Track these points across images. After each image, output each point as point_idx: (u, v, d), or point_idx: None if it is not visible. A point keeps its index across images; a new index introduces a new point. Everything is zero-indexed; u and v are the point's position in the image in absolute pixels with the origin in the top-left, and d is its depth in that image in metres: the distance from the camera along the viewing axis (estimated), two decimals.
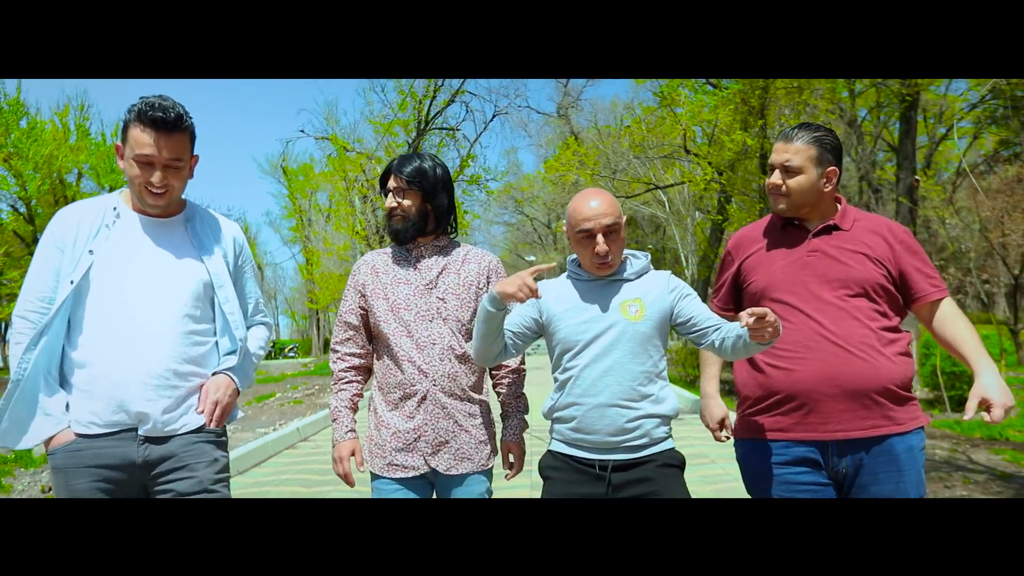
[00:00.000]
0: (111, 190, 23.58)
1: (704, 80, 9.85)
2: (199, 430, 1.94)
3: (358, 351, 2.22)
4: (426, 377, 2.10)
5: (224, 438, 2.04)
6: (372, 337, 2.24)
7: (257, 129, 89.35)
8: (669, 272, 2.14)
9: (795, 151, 2.00)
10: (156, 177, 1.90)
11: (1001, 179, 15.71)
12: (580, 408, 1.99)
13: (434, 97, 14.24)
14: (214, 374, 2.02)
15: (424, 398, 2.10)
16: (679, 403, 2.11)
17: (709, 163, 11.45)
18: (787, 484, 1.97)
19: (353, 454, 2.13)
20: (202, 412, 1.95)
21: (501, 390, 2.33)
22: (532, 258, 39.23)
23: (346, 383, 2.20)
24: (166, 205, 1.98)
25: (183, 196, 2.08)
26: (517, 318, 2.11)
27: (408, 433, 2.10)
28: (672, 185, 14.16)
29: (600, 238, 1.98)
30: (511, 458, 2.28)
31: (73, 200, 23.01)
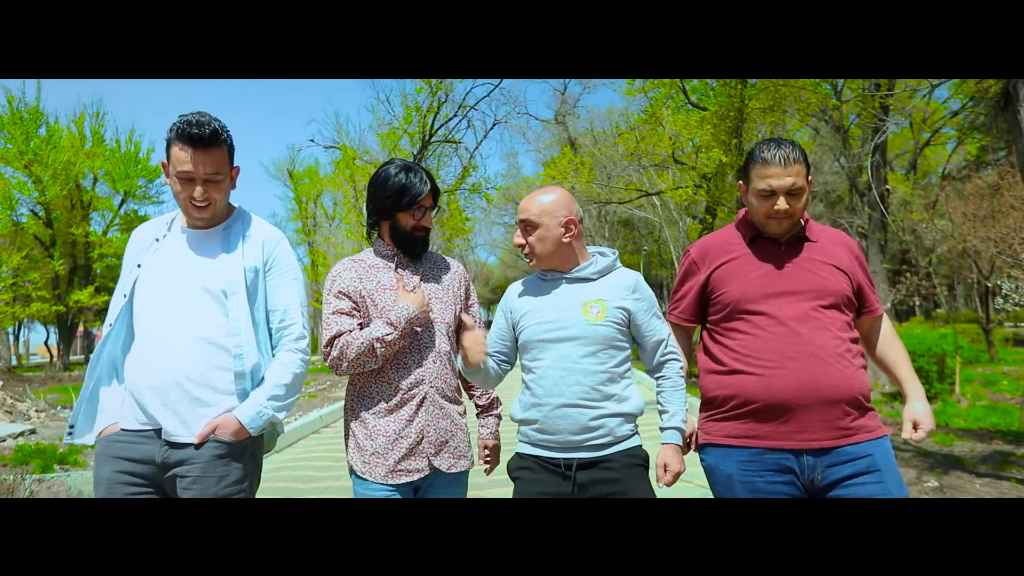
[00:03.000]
0: (125, 195, 24.37)
1: (685, 100, 10.63)
2: (216, 442, 1.92)
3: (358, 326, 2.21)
4: (424, 380, 2.12)
5: (243, 451, 1.97)
6: None
7: (265, 134, 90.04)
8: (638, 276, 2.15)
9: (796, 172, 1.97)
10: (197, 192, 1.97)
11: (976, 185, 16.40)
12: (542, 409, 2.01)
13: (437, 111, 15.05)
14: (238, 405, 1.98)
15: (423, 401, 2.12)
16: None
17: (693, 168, 12.23)
18: (758, 491, 1.94)
19: (415, 289, 2.15)
20: (205, 403, 1.94)
21: (474, 392, 2.41)
22: None
23: (355, 335, 2.11)
24: (211, 217, 2.05)
25: (232, 203, 2.15)
26: (498, 334, 2.20)
27: (411, 436, 2.09)
28: (661, 192, 14.92)
29: (517, 231, 2.14)
30: (487, 454, 2.38)
31: (89, 205, 23.90)
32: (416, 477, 2.09)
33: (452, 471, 2.15)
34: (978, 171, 16.80)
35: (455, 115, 15.29)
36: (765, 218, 2.03)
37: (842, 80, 10.58)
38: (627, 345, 2.07)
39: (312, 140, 17.41)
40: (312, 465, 6.28)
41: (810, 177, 2.03)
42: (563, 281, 2.10)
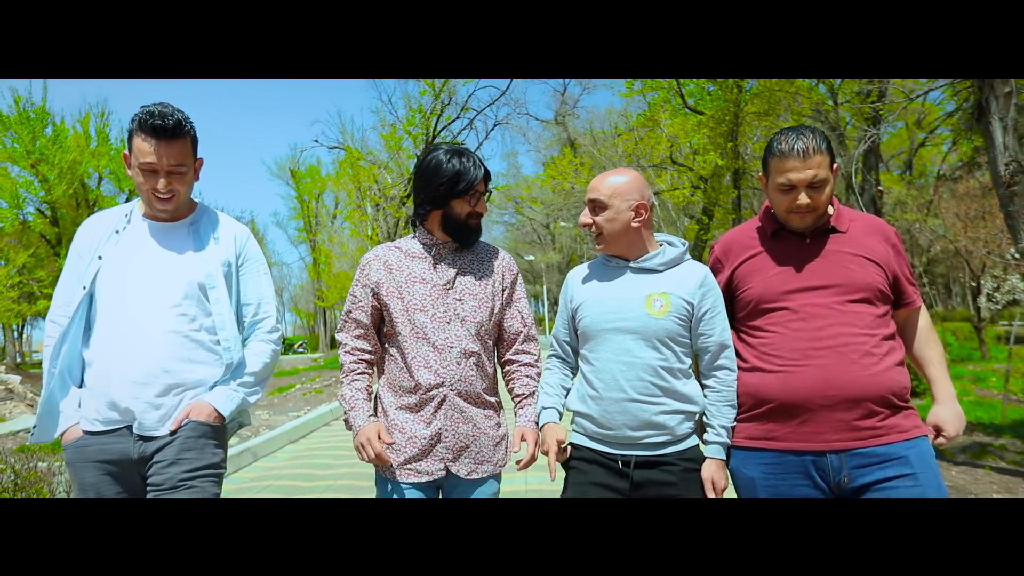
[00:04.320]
0: (130, 194, 24.55)
1: (683, 104, 10.93)
2: (191, 423, 1.92)
3: (368, 347, 2.13)
4: (444, 382, 2.03)
5: (217, 436, 1.99)
6: (382, 335, 2.16)
7: (266, 133, 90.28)
8: (707, 270, 2.04)
9: (817, 164, 1.87)
10: (161, 184, 1.94)
11: (968, 186, 16.69)
12: (601, 403, 1.95)
13: (440, 113, 15.34)
14: (207, 392, 1.99)
15: (442, 403, 2.03)
16: None
17: (690, 169, 12.52)
18: (781, 494, 1.87)
19: (379, 437, 1.97)
20: (179, 397, 1.94)
21: (515, 383, 2.22)
22: (531, 257, 40.10)
23: (358, 374, 2.10)
24: (174, 209, 2.02)
25: (195, 199, 2.14)
26: (563, 325, 2.15)
27: (426, 439, 2.02)
28: (658, 192, 15.23)
29: (585, 210, 2.06)
30: (523, 446, 2.13)
31: (94, 203, 24.12)
32: (426, 479, 2.02)
33: (472, 477, 2.05)
34: (971, 172, 17.12)
35: (458, 117, 15.60)
36: (787, 213, 1.95)
37: (838, 81, 10.88)
38: (689, 341, 1.99)
39: (316, 141, 17.71)
40: (329, 454, 6.58)
41: (836, 165, 1.93)
42: (628, 270, 2.03)
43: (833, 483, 1.83)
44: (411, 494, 2.02)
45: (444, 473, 2.04)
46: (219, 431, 1.98)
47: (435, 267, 2.10)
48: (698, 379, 2.04)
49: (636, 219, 1.99)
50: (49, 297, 21.95)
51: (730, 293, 2.06)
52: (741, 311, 2.03)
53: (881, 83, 9.26)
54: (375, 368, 2.17)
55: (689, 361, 2.01)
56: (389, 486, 2.05)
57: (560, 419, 2.08)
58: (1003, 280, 12.69)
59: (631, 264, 2.03)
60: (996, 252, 12.66)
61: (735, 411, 1.98)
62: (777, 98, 10.08)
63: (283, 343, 29.51)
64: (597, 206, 2.01)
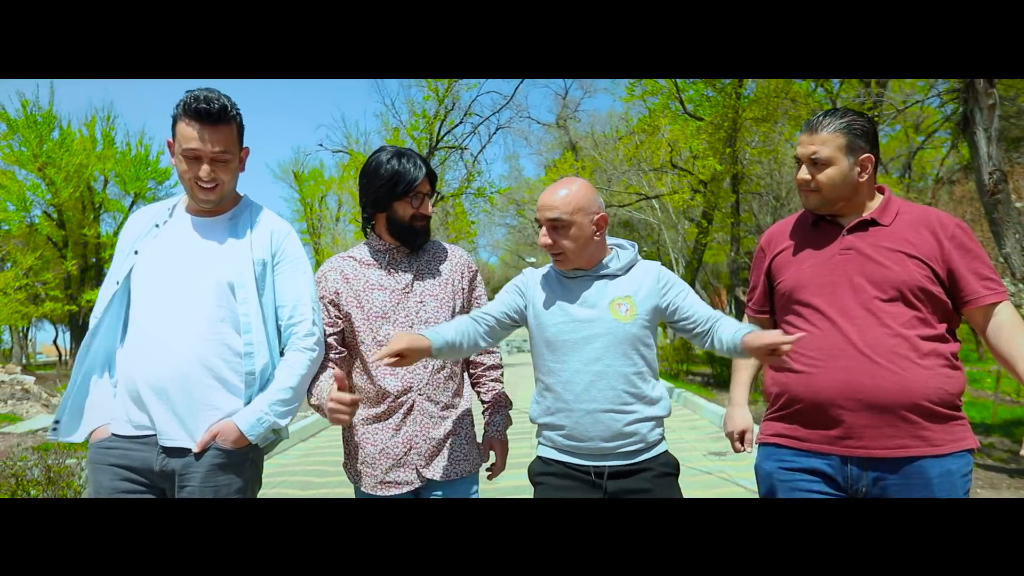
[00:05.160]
0: (136, 197, 24.79)
1: (682, 110, 11.14)
2: (216, 449, 1.82)
3: (334, 357, 2.05)
4: (412, 387, 1.99)
5: (244, 459, 1.87)
6: (345, 347, 2.09)
7: (269, 136, 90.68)
8: (659, 264, 2.01)
9: (822, 141, 1.81)
10: (204, 171, 1.85)
11: (966, 189, 16.86)
12: (572, 415, 1.89)
13: (444, 118, 15.56)
14: (237, 412, 1.86)
15: (411, 409, 1.99)
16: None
17: (690, 173, 12.73)
18: (797, 492, 1.82)
19: (340, 389, 1.82)
20: (204, 405, 1.83)
21: (481, 388, 2.21)
22: (532, 259, 40.31)
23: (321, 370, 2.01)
24: (218, 200, 1.92)
25: (239, 192, 2.03)
26: (501, 306, 2.02)
27: (398, 447, 1.98)
28: (659, 196, 15.43)
29: (543, 230, 1.91)
30: (492, 456, 2.17)
31: (100, 206, 24.36)
32: (405, 490, 1.99)
33: (449, 479, 2.01)
34: (968, 175, 17.29)
35: (461, 122, 15.82)
36: (798, 189, 1.92)
37: (838, 84, 11.05)
38: (653, 343, 1.96)
39: (321, 144, 17.92)
40: (339, 451, 6.74)
41: (866, 156, 1.82)
42: (587, 278, 1.95)
43: (851, 491, 1.77)
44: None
45: (420, 482, 1.99)
46: (242, 456, 1.86)
47: (391, 272, 2.05)
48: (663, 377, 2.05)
49: (598, 232, 1.92)
50: (55, 299, 22.31)
51: (769, 283, 2.03)
52: (778, 304, 1.99)
53: (877, 94, 9.45)
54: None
55: (655, 363, 1.98)
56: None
57: (432, 343, 1.84)
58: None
59: (590, 272, 1.96)
60: (991, 255, 12.86)
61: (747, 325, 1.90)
62: (775, 104, 10.27)
63: None
64: (559, 225, 1.88)
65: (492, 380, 2.22)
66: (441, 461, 2.02)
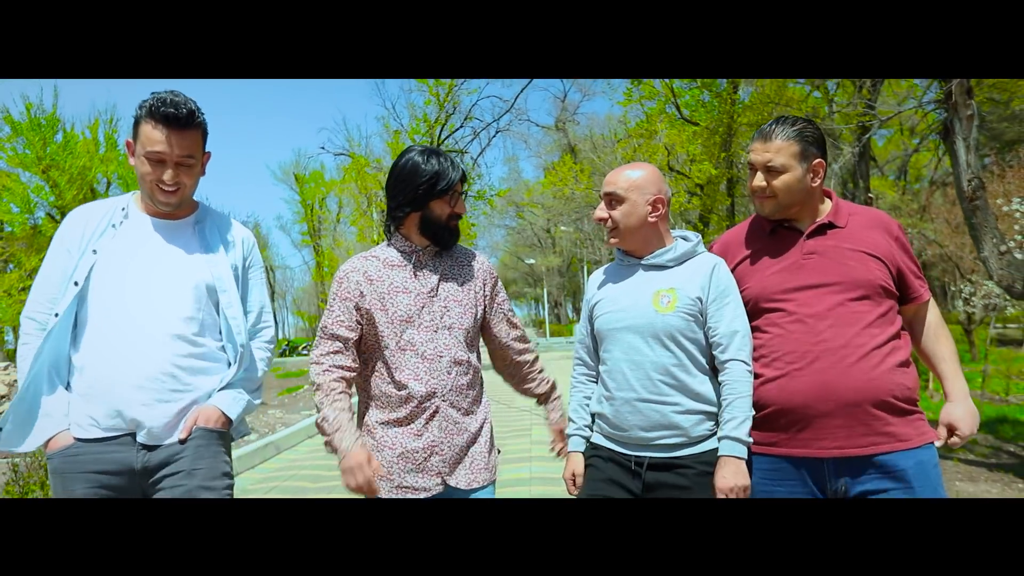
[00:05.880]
0: None
1: (678, 115, 11.36)
2: (199, 431, 1.84)
3: (347, 364, 1.97)
4: (436, 392, 1.96)
5: (226, 443, 1.93)
6: (361, 349, 2.04)
7: (270, 138, 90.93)
8: (719, 261, 1.98)
9: (776, 149, 1.86)
10: (168, 175, 1.83)
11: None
12: (613, 403, 1.93)
13: (445, 122, 15.78)
14: (212, 397, 1.89)
15: (435, 414, 1.96)
16: None
17: (687, 176, 12.95)
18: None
19: (369, 461, 1.83)
20: (184, 401, 1.83)
21: (531, 383, 2.24)
22: (531, 261, 40.49)
23: (339, 393, 1.92)
24: (177, 203, 1.91)
25: (195, 199, 2.02)
26: (582, 327, 2.12)
27: (419, 452, 1.95)
28: None
29: (601, 204, 2.01)
30: (558, 441, 2.21)
31: None
32: (424, 495, 1.95)
33: (471, 487, 2.00)
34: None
35: (461, 126, 16.05)
36: (751, 195, 1.98)
37: (834, 87, 11.27)
38: (702, 337, 1.92)
39: (323, 148, 18.12)
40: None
41: (818, 162, 1.88)
42: (639, 267, 2.01)
43: (830, 491, 1.79)
44: None
45: (442, 487, 1.97)
46: (227, 438, 1.93)
47: (416, 275, 2.03)
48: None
49: (653, 214, 1.97)
50: None
51: None
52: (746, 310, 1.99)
53: (868, 99, 9.67)
54: (353, 387, 2.03)
55: (705, 358, 1.93)
56: None
57: (584, 447, 2.05)
58: (980, 285, 13.10)
59: (643, 261, 2.00)
60: (971, 258, 13.07)
61: (749, 403, 1.85)
62: (769, 110, 10.50)
63: (288, 345, 29.87)
64: (614, 199, 1.98)
65: (539, 372, 2.25)
66: (464, 469, 2.00)
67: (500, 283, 2.23)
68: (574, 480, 2.01)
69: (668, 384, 1.87)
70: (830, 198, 1.97)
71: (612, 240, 2.02)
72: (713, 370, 1.94)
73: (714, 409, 1.88)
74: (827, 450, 1.77)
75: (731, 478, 1.79)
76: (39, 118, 21.14)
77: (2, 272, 19.53)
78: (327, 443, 1.90)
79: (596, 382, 2.09)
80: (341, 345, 1.97)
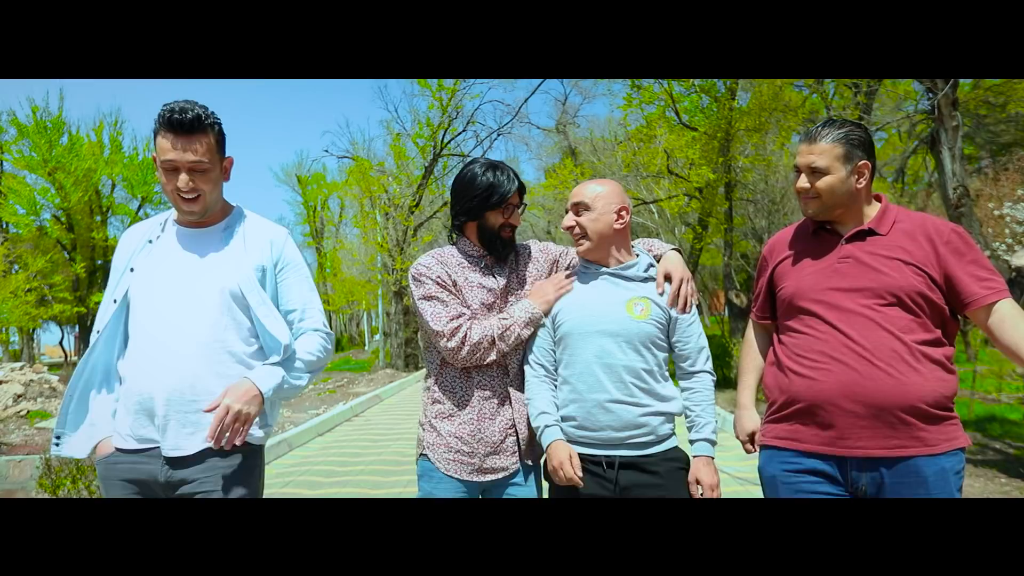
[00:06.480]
0: (143, 200, 25.15)
1: (677, 120, 11.59)
2: (221, 452, 1.81)
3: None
4: (516, 379, 2.11)
5: (252, 461, 1.90)
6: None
7: (272, 139, 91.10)
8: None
9: (820, 151, 1.89)
10: (182, 181, 1.83)
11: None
12: (584, 405, 1.98)
13: (447, 127, 16.01)
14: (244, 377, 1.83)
15: (508, 396, 2.09)
16: None
17: (686, 180, 13.16)
18: (801, 493, 1.87)
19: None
20: (210, 413, 1.76)
21: None
22: None
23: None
24: (202, 211, 1.91)
25: (231, 203, 2.04)
26: (541, 342, 2.10)
27: (495, 434, 2.06)
28: (655, 201, 15.88)
29: (568, 214, 2.11)
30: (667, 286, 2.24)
31: (108, 210, 24.72)
32: (502, 475, 2.06)
33: (535, 462, 2.14)
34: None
35: (463, 130, 16.28)
36: (798, 197, 2.01)
37: (832, 88, 11.47)
38: (667, 346, 2.07)
39: (327, 151, 18.34)
40: (355, 445, 7.25)
41: (863, 163, 1.89)
42: (605, 275, 2.09)
43: (852, 490, 1.83)
44: (457, 493, 2.02)
45: (517, 466, 2.08)
46: (249, 465, 1.88)
47: (485, 275, 2.15)
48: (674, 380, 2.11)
49: (619, 221, 2.07)
50: (63, 302, 22.64)
51: (771, 291, 2.09)
52: (779, 310, 2.05)
53: (864, 104, 9.88)
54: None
55: (665, 364, 2.08)
56: (440, 486, 2.04)
57: (564, 436, 2.04)
58: None
59: (608, 271, 2.08)
60: None
61: (714, 409, 2.06)
62: (767, 115, 10.72)
63: None
64: (581, 207, 2.07)
65: None
66: (533, 445, 2.11)
67: (565, 255, 2.29)
68: (571, 461, 1.94)
69: (638, 387, 1.98)
70: (879, 202, 1.98)
71: (580, 248, 2.11)
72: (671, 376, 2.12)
73: (674, 411, 2.03)
74: (851, 450, 1.81)
75: (713, 475, 2.00)
76: (45, 121, 21.34)
77: (8, 273, 19.69)
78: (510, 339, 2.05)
79: (555, 386, 2.09)
80: (458, 313, 2.04)
